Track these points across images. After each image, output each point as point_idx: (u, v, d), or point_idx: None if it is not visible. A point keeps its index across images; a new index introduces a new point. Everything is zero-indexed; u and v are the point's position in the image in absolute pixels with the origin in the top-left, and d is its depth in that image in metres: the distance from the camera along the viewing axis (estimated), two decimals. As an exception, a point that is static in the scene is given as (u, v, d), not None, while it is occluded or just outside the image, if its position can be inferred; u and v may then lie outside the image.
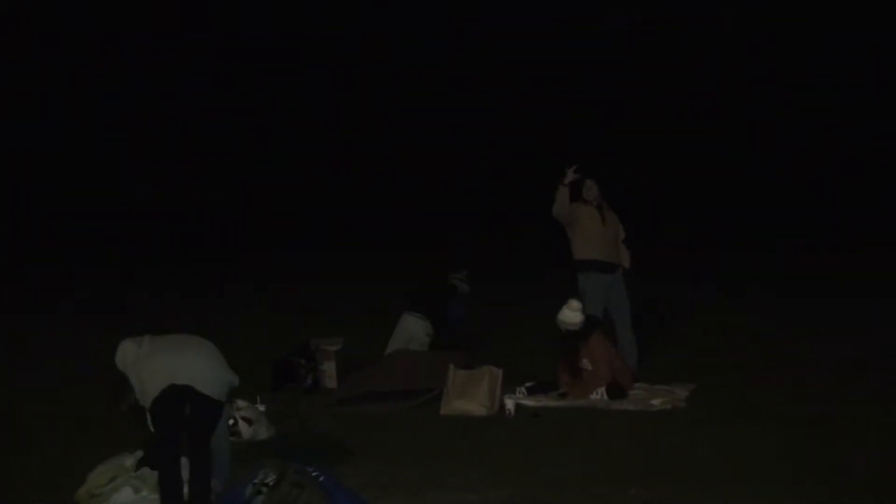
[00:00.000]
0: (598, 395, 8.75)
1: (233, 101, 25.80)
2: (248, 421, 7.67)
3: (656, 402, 8.52)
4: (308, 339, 9.85)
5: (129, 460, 6.34)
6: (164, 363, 5.89)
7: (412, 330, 10.49)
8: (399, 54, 25.93)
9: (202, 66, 25.44)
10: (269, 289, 16.95)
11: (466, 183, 24.70)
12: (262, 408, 8.03)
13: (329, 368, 9.53)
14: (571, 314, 8.88)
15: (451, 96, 25.65)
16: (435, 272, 11.92)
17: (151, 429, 5.81)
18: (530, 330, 11.70)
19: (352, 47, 25.82)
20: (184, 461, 5.78)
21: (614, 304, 9.65)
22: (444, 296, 11.16)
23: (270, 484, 5.49)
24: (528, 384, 8.97)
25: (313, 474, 5.62)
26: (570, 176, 9.35)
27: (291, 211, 24.53)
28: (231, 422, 7.40)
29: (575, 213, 9.63)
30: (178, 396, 5.75)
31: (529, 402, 8.59)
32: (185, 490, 5.75)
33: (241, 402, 7.78)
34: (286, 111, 26.27)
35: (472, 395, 8.38)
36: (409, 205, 24.29)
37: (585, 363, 8.82)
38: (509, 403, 8.31)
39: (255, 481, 5.54)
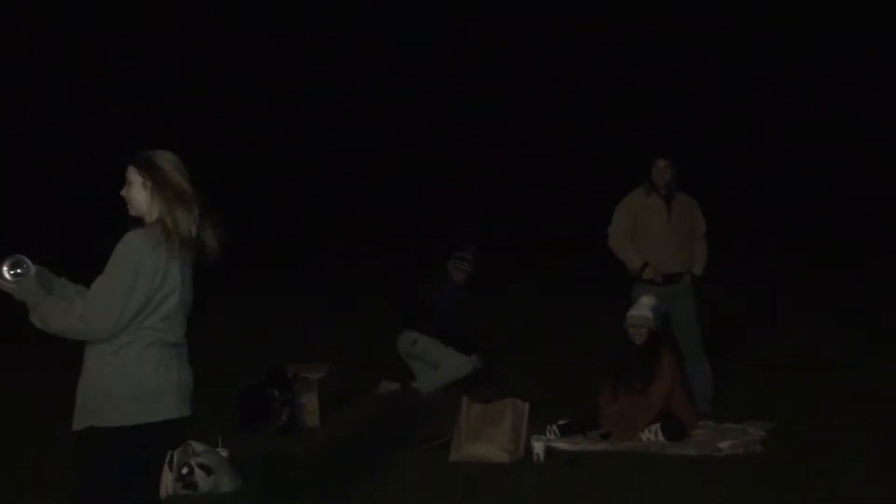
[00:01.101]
0: (652, 433, 8.02)
1: (225, 103, 27.10)
2: (207, 469, 7.09)
3: (724, 444, 7.85)
4: (285, 363, 9.27)
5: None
6: (170, 381, 4.50)
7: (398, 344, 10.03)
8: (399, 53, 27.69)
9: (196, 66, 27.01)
10: (243, 301, 16.04)
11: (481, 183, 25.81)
12: (224, 453, 7.43)
13: (310, 402, 8.89)
14: (644, 311, 8.30)
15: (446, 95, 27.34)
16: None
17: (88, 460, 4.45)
18: (564, 351, 11.23)
19: (353, 46, 27.69)
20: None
21: (676, 320, 8.76)
22: (428, 284, 10.18)
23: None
24: (561, 422, 8.27)
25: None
26: (650, 276, 8.73)
27: (282, 215, 24.83)
28: (185, 470, 6.98)
29: (634, 209, 8.80)
30: (162, 435, 4.56)
31: (564, 445, 7.99)
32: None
33: (197, 446, 7.19)
34: (275, 115, 27.60)
35: (490, 436, 7.76)
36: (414, 210, 24.75)
37: (644, 383, 8.18)
38: (538, 447, 7.71)
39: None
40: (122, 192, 4.55)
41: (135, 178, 4.50)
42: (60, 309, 4.44)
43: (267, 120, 27.32)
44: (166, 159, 4.53)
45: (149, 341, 4.41)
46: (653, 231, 8.75)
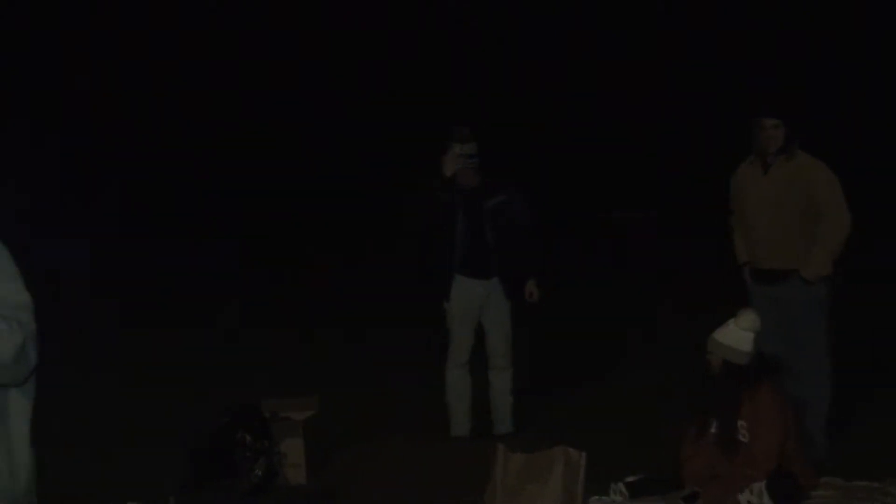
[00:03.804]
0: (755, 495, 7.07)
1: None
2: (151, 544, 6.68)
3: (856, 510, 6.90)
4: (258, 398, 8.45)
5: None
6: None
7: None
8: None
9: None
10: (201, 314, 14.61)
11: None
12: (174, 522, 6.89)
13: (293, 452, 8.10)
14: (741, 335, 7.25)
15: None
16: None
17: None
18: (635, 378, 10.24)
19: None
20: None
21: (782, 337, 7.71)
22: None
23: None
24: (630, 478, 7.45)
25: None
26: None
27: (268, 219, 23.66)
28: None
29: (736, 181, 7.91)
30: None
31: (634, 511, 7.15)
32: None
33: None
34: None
35: (534, 497, 7.08)
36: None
37: (741, 430, 7.30)
38: (599, 513, 6.98)
39: None
40: None
41: None
42: None
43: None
44: None
45: None
46: (744, 209, 7.85)
